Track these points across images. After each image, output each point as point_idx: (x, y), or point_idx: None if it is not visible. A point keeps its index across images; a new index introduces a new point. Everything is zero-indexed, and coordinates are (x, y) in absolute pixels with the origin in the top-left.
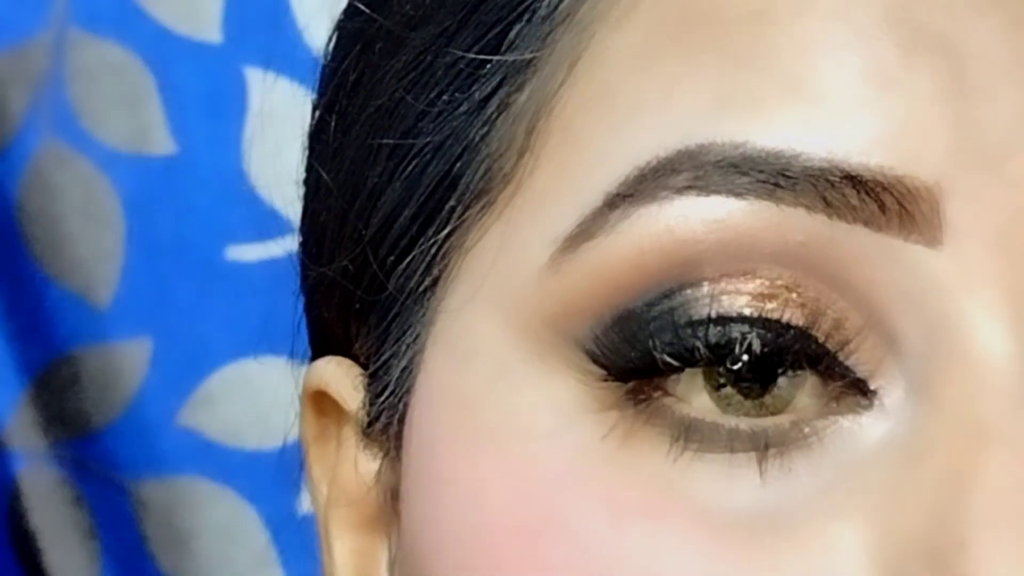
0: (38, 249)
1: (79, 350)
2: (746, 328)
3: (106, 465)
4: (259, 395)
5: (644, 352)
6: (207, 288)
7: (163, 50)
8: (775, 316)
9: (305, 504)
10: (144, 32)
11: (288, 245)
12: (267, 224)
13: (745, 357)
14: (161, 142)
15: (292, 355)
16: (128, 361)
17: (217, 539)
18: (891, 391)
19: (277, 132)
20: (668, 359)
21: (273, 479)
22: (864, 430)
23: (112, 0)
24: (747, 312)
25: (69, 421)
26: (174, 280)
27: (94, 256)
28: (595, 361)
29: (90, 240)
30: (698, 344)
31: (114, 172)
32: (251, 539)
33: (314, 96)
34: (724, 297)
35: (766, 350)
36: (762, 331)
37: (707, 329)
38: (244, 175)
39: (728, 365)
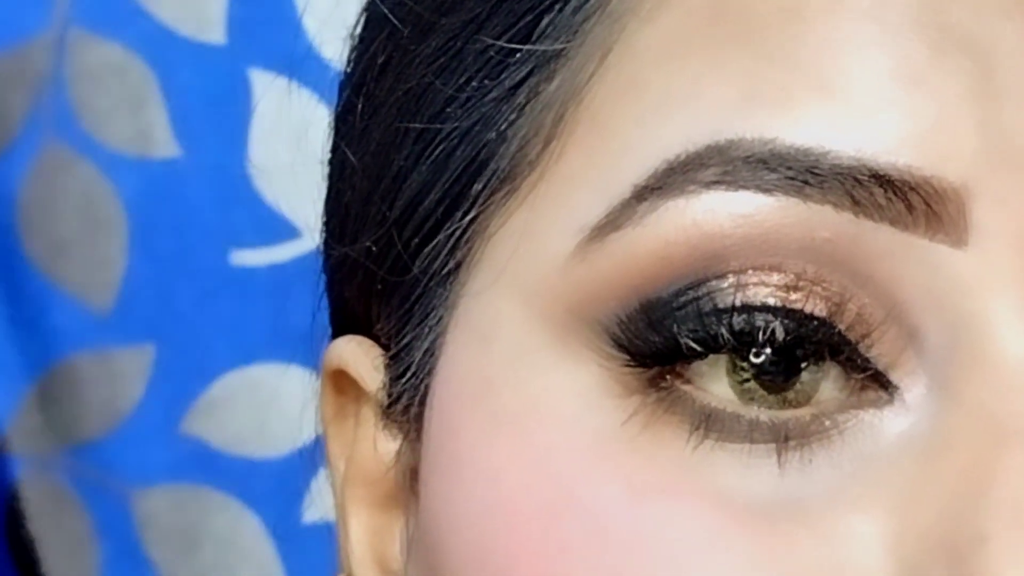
0: (39, 253)
1: (80, 356)
2: (770, 317)
3: (107, 473)
4: (263, 402)
5: (668, 337)
6: (210, 294)
7: (166, 51)
8: (798, 306)
9: (309, 513)
10: (147, 33)
11: (294, 249)
12: (272, 228)
13: (768, 350)
14: (164, 145)
15: (298, 361)
16: (130, 368)
17: (220, 548)
18: (912, 387)
19: (281, 134)
20: (692, 344)
21: (277, 487)
22: (884, 424)
23: (114, 0)
24: (771, 302)
25: (70, 428)
26: (177, 285)
27: (95, 261)
28: (619, 346)
29: (91, 244)
30: (722, 331)
31: (116, 175)
32: (254, 548)
33: (316, 97)
34: (749, 287)
35: (789, 339)
36: (785, 320)
37: (731, 316)
38: (248, 178)
39: (751, 357)
